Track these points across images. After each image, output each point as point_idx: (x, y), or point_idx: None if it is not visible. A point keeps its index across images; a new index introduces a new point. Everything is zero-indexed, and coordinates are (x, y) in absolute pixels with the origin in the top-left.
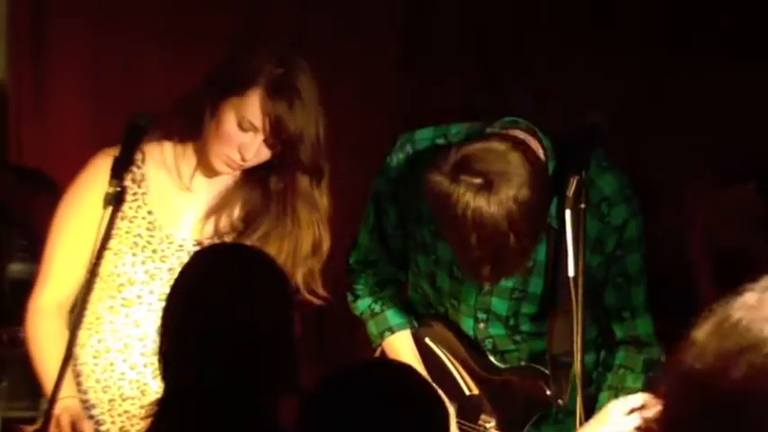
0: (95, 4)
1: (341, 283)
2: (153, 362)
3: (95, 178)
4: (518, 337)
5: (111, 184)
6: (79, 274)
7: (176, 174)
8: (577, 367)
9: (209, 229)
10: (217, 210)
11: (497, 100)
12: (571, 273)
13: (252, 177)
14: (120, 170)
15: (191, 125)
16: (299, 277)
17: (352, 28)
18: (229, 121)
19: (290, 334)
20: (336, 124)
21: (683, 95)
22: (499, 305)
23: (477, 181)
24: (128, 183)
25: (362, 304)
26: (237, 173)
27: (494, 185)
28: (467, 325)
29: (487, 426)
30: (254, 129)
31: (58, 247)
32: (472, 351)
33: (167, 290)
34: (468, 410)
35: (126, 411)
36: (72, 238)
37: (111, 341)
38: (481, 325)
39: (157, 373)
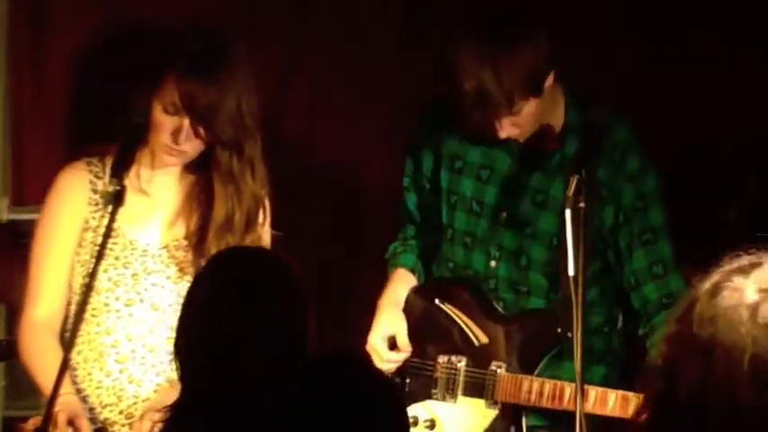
0: (95, 3)
1: (335, 285)
2: (127, 368)
3: (68, 193)
4: (523, 288)
5: (110, 183)
6: (65, 287)
7: (135, 179)
8: (577, 366)
9: (179, 231)
10: (183, 212)
11: None
12: (571, 272)
13: (202, 168)
14: (119, 169)
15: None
16: (212, 251)
17: (351, 27)
18: (158, 109)
19: (305, 337)
20: (336, 123)
21: (678, 91)
22: (512, 239)
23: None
24: (91, 195)
25: (392, 247)
26: (192, 168)
27: (504, 32)
28: (478, 262)
29: (498, 371)
30: (178, 111)
31: (43, 266)
32: (482, 303)
33: (133, 295)
34: (479, 359)
35: (106, 419)
36: (55, 255)
37: (88, 351)
38: (492, 263)
39: (132, 378)
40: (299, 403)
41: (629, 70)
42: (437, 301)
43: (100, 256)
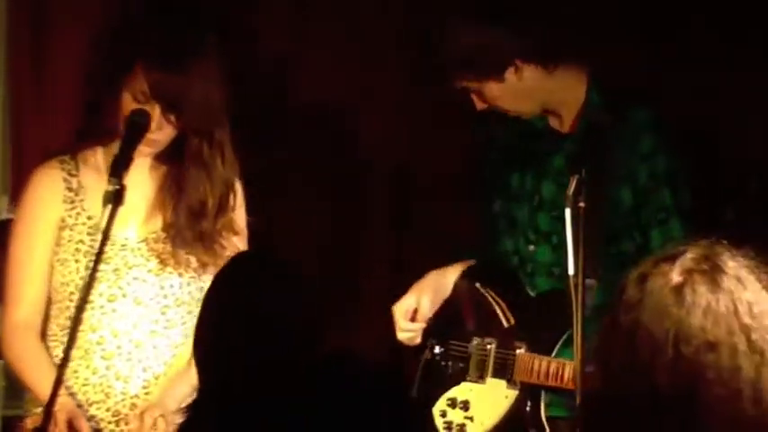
0: (96, 3)
1: (335, 285)
2: (114, 364)
3: (43, 192)
4: (557, 270)
5: (109, 182)
6: (44, 287)
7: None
8: (577, 364)
9: (156, 223)
10: (158, 204)
11: None
12: (571, 272)
13: (172, 158)
14: (119, 168)
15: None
16: (188, 237)
17: (351, 27)
18: (127, 100)
19: (307, 336)
20: (336, 123)
21: (678, 91)
22: (544, 221)
23: None
24: (66, 192)
25: None
26: (163, 159)
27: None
28: (521, 248)
29: (517, 351)
30: (148, 99)
31: (22, 267)
32: (515, 286)
33: (115, 290)
34: (506, 339)
35: (93, 416)
36: (34, 255)
37: (74, 349)
38: (531, 247)
39: (119, 375)
40: (300, 403)
41: (629, 70)
42: (477, 285)
43: (100, 255)
